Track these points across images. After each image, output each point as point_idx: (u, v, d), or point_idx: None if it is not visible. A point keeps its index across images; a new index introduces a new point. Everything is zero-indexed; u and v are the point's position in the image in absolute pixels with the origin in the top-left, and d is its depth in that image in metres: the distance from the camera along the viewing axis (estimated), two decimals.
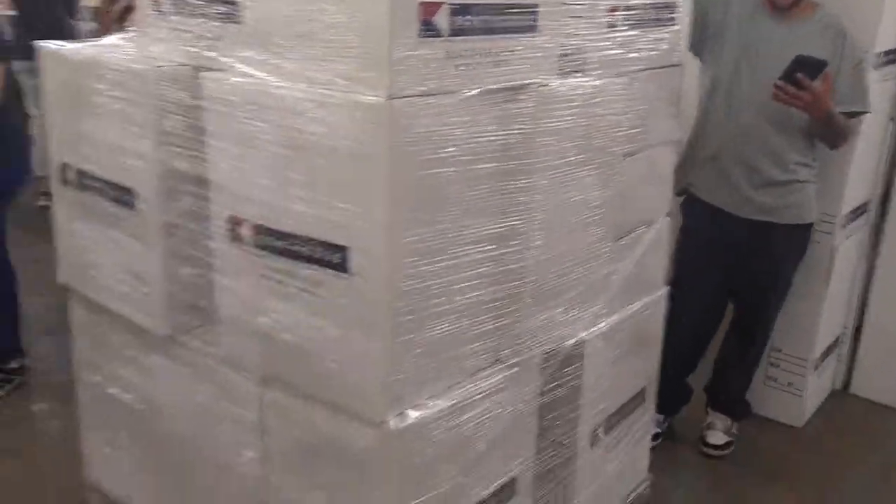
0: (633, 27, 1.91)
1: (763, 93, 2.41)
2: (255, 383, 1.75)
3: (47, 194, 5.10)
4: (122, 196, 1.86)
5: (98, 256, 2.00)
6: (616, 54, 1.88)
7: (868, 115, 2.68)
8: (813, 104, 2.34)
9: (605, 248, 2.00)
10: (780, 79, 2.32)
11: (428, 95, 1.45)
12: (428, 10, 1.41)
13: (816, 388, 3.13)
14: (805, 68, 2.30)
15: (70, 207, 2.05)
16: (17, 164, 2.88)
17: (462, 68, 1.49)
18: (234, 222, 1.67)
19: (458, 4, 1.45)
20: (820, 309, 2.95)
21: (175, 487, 2.05)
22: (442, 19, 1.43)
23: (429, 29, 1.42)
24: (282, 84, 1.53)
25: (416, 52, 1.41)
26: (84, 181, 1.97)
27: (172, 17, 1.75)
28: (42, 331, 3.42)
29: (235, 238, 1.68)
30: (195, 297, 1.85)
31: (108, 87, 1.81)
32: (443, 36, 1.45)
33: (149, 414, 2.04)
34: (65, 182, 2.03)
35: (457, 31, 1.47)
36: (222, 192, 1.68)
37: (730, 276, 2.68)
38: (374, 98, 1.40)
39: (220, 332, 1.79)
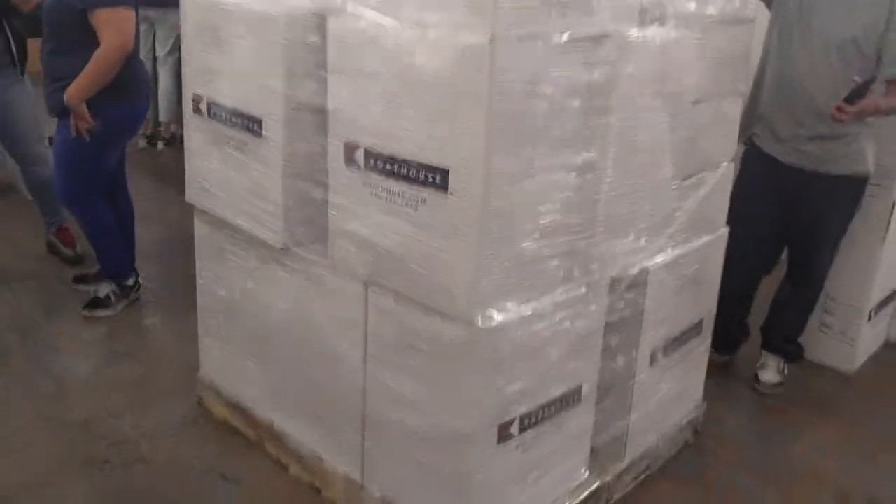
0: None
1: (813, 55, 2.57)
2: (360, 287, 2.03)
3: (145, 136, 5.50)
4: (250, 124, 2.15)
5: (224, 177, 2.30)
6: (691, 8, 2.07)
7: None
8: (859, 116, 2.55)
9: (673, 186, 2.22)
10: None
11: (524, 39, 1.68)
12: None
13: (870, 337, 3.29)
14: (855, 93, 2.54)
15: (200, 134, 2.34)
16: (141, 104, 3.21)
17: (555, 16, 1.72)
18: (350, 147, 1.94)
19: None
20: (876, 261, 3.09)
21: (284, 382, 2.37)
22: None
23: None
24: (398, 26, 1.78)
25: (516, 2, 1.64)
26: (215, 111, 2.26)
27: None
28: (151, 257, 3.79)
29: (350, 161, 1.95)
30: (310, 213, 2.14)
31: (242, 28, 2.09)
32: None
33: (263, 317, 2.35)
34: (197, 111, 2.32)
35: None
36: (340, 121, 1.95)
37: (782, 221, 2.85)
38: (479, 39, 1.64)
39: (331, 244, 2.07)
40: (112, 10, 2.86)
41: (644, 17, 1.95)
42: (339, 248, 2.05)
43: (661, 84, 2.04)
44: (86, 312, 3.30)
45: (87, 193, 3.16)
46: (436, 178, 1.78)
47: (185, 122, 2.40)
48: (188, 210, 2.52)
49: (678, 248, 2.32)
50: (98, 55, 2.87)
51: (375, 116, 1.86)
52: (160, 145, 5.40)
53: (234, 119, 2.20)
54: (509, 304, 1.88)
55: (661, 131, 2.10)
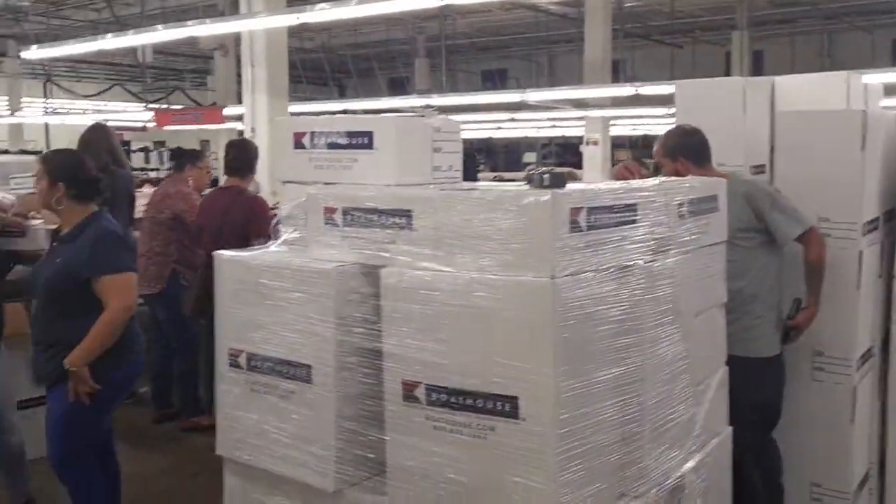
0: (693, 215, 2.43)
1: None
2: None
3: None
4: (298, 372, 2.24)
5: (264, 426, 2.33)
6: (685, 237, 2.38)
7: (864, 275, 3.23)
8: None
9: (691, 392, 2.41)
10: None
11: (575, 274, 1.91)
12: (574, 213, 1.91)
13: None
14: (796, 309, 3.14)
15: (237, 387, 2.40)
16: (138, 363, 3.21)
17: (598, 252, 1.97)
18: (408, 385, 2.05)
19: (592, 206, 1.96)
20: (850, 443, 3.33)
21: None
22: (582, 218, 1.93)
23: (575, 226, 1.91)
24: (454, 272, 1.98)
25: (568, 244, 1.89)
26: (255, 363, 2.34)
27: (345, 228, 2.22)
28: None
29: (409, 398, 2.05)
30: (362, 452, 2.19)
31: (290, 283, 2.24)
32: (583, 230, 1.93)
33: None
34: (234, 365, 2.40)
35: (591, 226, 1.96)
36: (397, 361, 2.08)
37: None
38: (540, 278, 1.85)
39: (390, 481, 2.11)
40: (117, 275, 2.97)
41: (655, 248, 2.23)
42: (400, 484, 2.09)
43: (673, 302, 2.29)
44: None
45: (82, 458, 3.06)
46: (504, 406, 1.91)
47: (218, 376, 2.45)
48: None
49: (699, 452, 2.47)
50: (105, 319, 2.92)
51: (435, 354, 2.00)
52: None
53: (279, 368, 2.28)
54: None
55: (677, 344, 2.32)
